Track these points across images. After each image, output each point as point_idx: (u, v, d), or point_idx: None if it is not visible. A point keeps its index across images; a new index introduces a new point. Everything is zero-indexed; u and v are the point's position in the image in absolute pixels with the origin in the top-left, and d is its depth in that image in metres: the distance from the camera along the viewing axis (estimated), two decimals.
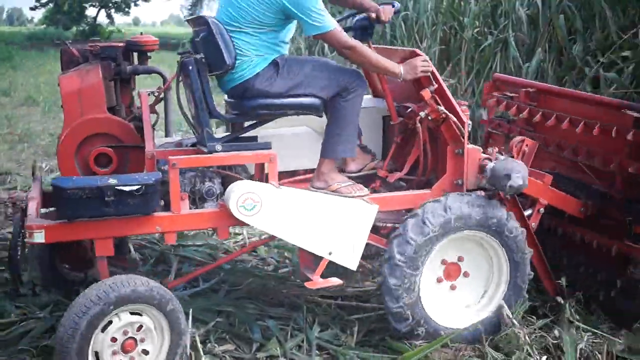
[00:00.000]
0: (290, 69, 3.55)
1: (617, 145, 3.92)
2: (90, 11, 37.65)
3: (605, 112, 4.04)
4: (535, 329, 3.73)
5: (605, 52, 6.47)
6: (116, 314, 3.16)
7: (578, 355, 3.53)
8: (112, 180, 3.24)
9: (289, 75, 3.54)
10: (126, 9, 38.98)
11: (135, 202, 3.25)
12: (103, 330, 3.15)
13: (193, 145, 3.77)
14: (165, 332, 3.30)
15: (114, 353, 3.19)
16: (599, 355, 3.54)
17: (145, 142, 3.67)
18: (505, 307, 3.68)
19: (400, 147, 4.01)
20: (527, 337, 3.57)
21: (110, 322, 3.17)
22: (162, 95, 4.01)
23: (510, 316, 3.66)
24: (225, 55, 3.41)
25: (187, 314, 3.41)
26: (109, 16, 38.18)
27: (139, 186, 3.24)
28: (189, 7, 51.47)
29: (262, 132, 3.78)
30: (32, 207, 3.49)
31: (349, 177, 3.78)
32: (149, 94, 3.95)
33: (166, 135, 4.30)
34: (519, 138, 3.96)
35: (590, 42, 6.79)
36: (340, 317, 4.04)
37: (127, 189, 3.22)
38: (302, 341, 3.75)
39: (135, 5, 38.78)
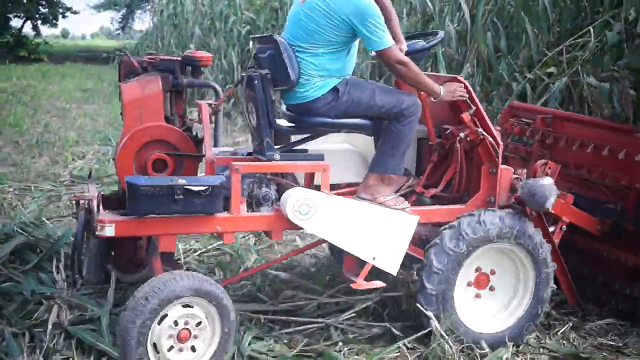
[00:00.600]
0: (350, 96, 3.88)
1: (629, 165, 4.36)
2: (16, 22, 35.80)
3: (616, 135, 4.49)
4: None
5: (531, 69, 6.75)
6: (174, 305, 3.46)
7: None
8: (182, 180, 3.53)
9: (348, 101, 3.87)
10: (54, 21, 37.47)
11: (202, 201, 3.55)
12: (159, 323, 3.42)
13: (249, 154, 4.10)
14: (217, 325, 3.61)
15: (170, 340, 3.47)
16: None
17: (205, 150, 3.97)
18: (435, 320, 3.90)
19: (436, 166, 4.37)
20: (454, 352, 3.85)
21: (166, 316, 3.44)
22: (219, 108, 4.33)
23: (439, 329, 3.91)
24: (290, 72, 3.76)
25: None
26: (35, 28, 36.37)
27: (206, 187, 3.55)
28: (120, 19, 51.17)
29: (311, 146, 4.13)
30: (96, 205, 3.79)
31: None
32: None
33: (215, 145, 4.60)
34: (542, 161, 4.33)
35: (517, 59, 7.10)
36: (273, 330, 4.19)
37: (195, 188, 3.53)
38: (234, 355, 3.83)
39: (64, 17, 37.31)
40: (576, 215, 4.42)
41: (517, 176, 4.15)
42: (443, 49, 7.80)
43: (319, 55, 3.82)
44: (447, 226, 3.94)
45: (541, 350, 4.13)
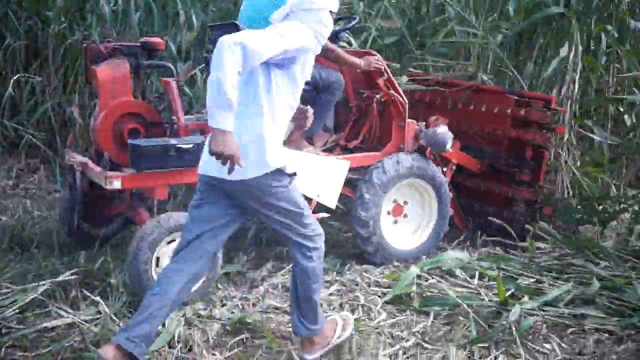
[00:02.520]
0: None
1: (501, 118, 5.87)
2: None
3: (492, 96, 5.99)
4: None
5: None
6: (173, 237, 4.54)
7: None
8: (173, 141, 4.67)
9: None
10: None
11: (188, 157, 4.67)
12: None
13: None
14: None
15: None
16: None
17: (179, 118, 5.05)
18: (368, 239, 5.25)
19: (354, 123, 5.71)
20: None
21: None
22: (181, 83, 5.42)
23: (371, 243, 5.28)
24: None
25: None
26: None
27: (193, 145, 4.69)
28: None
29: None
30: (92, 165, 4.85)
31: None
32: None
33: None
34: (434, 116, 5.74)
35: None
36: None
37: (184, 147, 4.66)
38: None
39: None
40: (462, 158, 5.88)
41: (419, 128, 5.56)
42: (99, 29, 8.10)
43: None
44: (373, 166, 5.28)
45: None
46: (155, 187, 4.72)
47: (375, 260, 5.32)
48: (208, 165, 3.61)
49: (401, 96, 5.42)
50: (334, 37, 5.35)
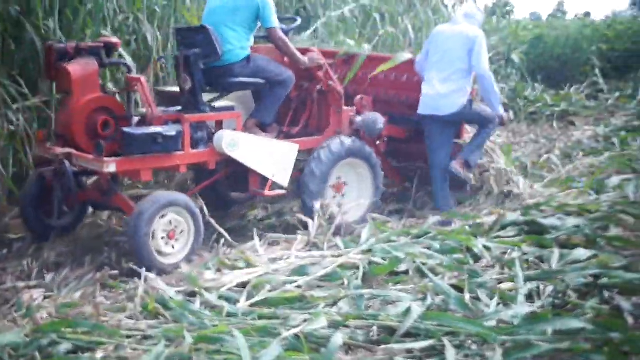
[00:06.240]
0: (256, 62, 6.27)
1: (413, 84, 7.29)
2: None
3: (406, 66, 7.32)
4: None
5: None
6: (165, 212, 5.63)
7: None
8: (159, 129, 5.77)
9: (255, 66, 6.26)
10: None
11: (171, 143, 5.78)
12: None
13: (178, 111, 6.31)
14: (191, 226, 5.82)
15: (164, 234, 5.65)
16: None
17: (152, 110, 6.04)
18: (318, 209, 6.31)
19: (295, 112, 7.01)
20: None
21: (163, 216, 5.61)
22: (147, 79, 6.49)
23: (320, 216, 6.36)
24: (218, 49, 6.02)
25: None
26: None
27: (175, 132, 5.82)
28: None
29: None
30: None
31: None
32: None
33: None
34: (359, 96, 7.07)
35: None
36: None
37: (169, 134, 5.77)
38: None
39: None
40: (392, 130, 7.32)
41: (352, 113, 6.92)
42: None
43: (238, 33, 6.20)
44: (320, 147, 6.54)
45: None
46: (143, 170, 5.80)
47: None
48: None
49: (338, 86, 6.78)
50: (286, 33, 6.62)
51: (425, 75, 7.00)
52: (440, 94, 6.80)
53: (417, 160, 7.62)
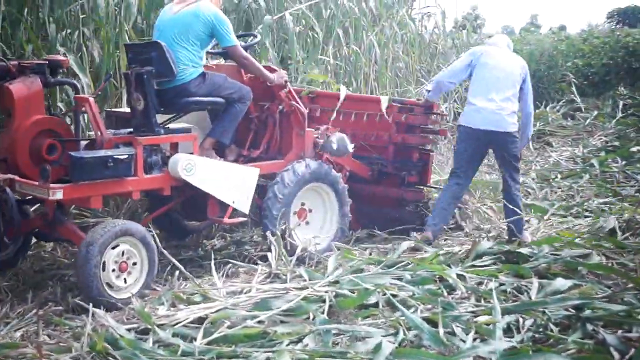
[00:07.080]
0: (212, 80, 5.99)
1: (385, 125, 7.11)
2: None
3: (371, 105, 7.22)
4: None
5: None
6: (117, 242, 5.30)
7: None
8: (110, 152, 5.47)
9: (210, 84, 5.97)
10: None
11: (123, 167, 5.44)
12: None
13: (129, 133, 6.01)
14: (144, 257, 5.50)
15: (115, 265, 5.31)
16: None
17: (101, 133, 5.72)
18: (276, 235, 6.12)
19: (255, 134, 6.73)
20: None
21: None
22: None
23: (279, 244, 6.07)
24: (173, 67, 5.71)
25: None
26: None
27: (127, 155, 5.50)
28: None
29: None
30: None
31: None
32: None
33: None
34: (324, 126, 6.84)
35: None
36: None
37: (121, 157, 5.46)
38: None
39: None
40: (354, 164, 7.04)
41: (316, 136, 6.67)
42: None
43: (190, 50, 5.92)
44: (284, 169, 6.24)
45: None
46: (92, 196, 5.46)
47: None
48: None
49: (301, 107, 6.54)
50: (249, 49, 6.40)
51: (477, 89, 7.03)
52: (503, 110, 6.87)
53: (382, 205, 7.40)
